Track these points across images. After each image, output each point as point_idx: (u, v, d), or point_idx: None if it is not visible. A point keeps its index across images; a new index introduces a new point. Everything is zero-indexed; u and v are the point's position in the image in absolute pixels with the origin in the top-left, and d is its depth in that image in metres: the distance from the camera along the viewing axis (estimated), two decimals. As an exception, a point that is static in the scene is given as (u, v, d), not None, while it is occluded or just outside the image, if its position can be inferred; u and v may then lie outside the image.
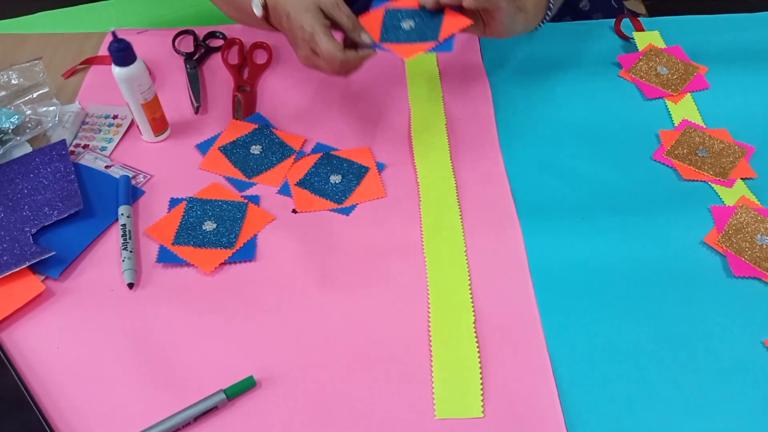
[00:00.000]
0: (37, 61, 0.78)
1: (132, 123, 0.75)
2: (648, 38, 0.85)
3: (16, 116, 0.72)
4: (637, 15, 0.89)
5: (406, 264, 0.61)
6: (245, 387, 0.52)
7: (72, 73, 0.82)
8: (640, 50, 0.83)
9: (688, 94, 0.78)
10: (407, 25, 0.63)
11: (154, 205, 0.67)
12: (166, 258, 0.62)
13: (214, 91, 0.80)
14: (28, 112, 0.74)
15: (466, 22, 0.62)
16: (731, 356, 0.55)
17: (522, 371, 0.54)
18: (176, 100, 0.77)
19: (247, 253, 0.62)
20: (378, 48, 0.61)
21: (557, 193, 0.68)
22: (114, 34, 0.64)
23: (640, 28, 0.86)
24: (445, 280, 0.60)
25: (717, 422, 0.51)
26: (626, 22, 0.87)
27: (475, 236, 0.64)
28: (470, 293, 0.59)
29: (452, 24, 0.62)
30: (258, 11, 0.64)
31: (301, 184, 0.68)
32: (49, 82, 0.77)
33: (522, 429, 0.50)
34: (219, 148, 0.72)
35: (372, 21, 0.65)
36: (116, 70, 0.66)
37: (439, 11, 0.64)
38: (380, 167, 0.70)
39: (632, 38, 0.85)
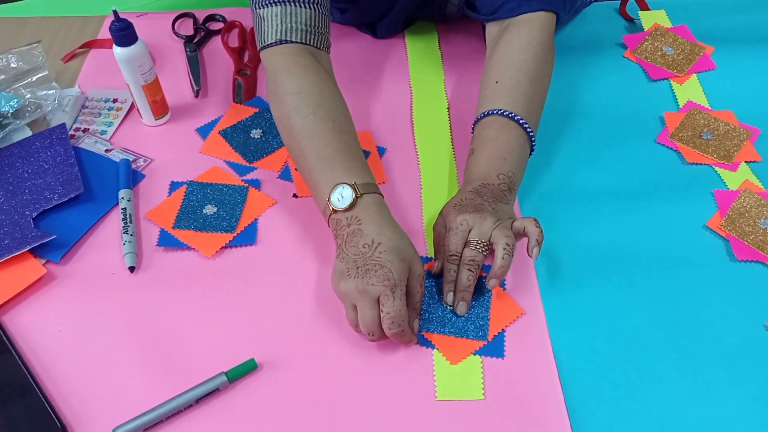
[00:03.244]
0: (36, 45, 0.78)
1: (132, 107, 0.74)
2: (654, 17, 0.83)
3: (16, 100, 0.72)
4: (643, -3, 0.87)
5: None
6: (246, 369, 0.53)
7: (71, 56, 0.81)
8: (645, 30, 0.82)
9: (694, 74, 0.77)
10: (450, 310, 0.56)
11: (155, 188, 0.66)
12: (166, 242, 0.62)
13: (214, 75, 0.79)
14: (28, 95, 0.73)
15: (518, 311, 0.56)
16: (734, 340, 0.55)
17: (523, 354, 0.54)
18: (176, 84, 0.77)
19: (248, 237, 0.62)
20: (423, 343, 0.54)
21: (559, 177, 0.67)
22: (115, 12, 0.64)
23: (645, 8, 0.85)
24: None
25: (719, 406, 0.51)
26: (632, 3, 0.86)
27: (476, 220, 0.63)
28: (471, 277, 0.59)
29: (501, 319, 0.55)
30: (341, 203, 0.55)
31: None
32: (48, 65, 0.76)
33: (523, 411, 0.50)
34: (219, 132, 0.71)
35: None
36: (117, 50, 0.65)
37: (485, 289, 0.57)
38: (381, 151, 0.70)
39: (637, 19, 0.84)
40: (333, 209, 0.55)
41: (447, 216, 0.58)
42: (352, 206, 0.55)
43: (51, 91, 0.74)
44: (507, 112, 0.62)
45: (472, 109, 0.73)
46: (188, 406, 0.51)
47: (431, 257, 0.60)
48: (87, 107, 0.75)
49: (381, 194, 0.57)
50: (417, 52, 0.81)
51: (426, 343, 0.55)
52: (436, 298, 0.57)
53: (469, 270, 0.55)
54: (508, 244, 0.54)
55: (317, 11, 0.63)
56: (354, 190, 0.55)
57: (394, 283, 0.51)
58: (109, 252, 0.61)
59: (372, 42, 0.83)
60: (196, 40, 0.82)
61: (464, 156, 0.69)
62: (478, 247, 0.55)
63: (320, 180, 0.57)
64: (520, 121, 0.61)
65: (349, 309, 0.53)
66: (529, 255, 0.55)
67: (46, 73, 0.76)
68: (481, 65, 0.78)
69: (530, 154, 0.64)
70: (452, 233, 0.56)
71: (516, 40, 0.67)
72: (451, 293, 0.56)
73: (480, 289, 0.57)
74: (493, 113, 0.62)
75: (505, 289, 0.58)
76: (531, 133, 0.62)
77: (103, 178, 0.67)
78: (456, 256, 0.55)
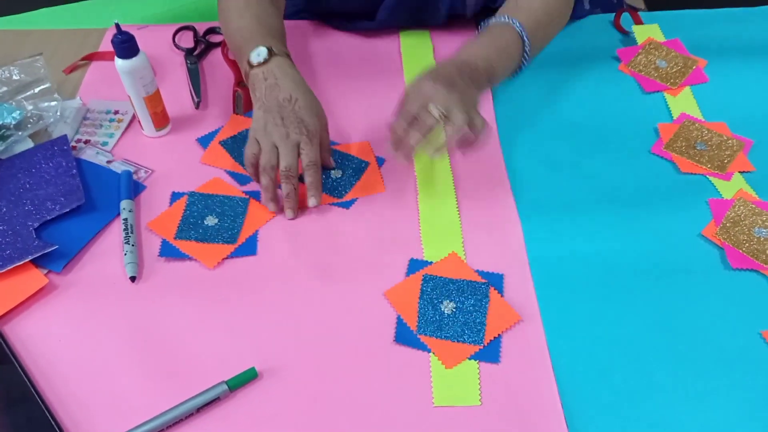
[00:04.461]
0: (37, 57, 0.79)
1: (133, 118, 0.75)
2: (647, 31, 0.85)
3: (18, 112, 0.73)
4: (637, 9, 0.89)
5: (406, 258, 0.62)
6: (247, 378, 0.53)
7: (73, 68, 0.82)
8: (639, 44, 0.83)
9: (687, 87, 0.78)
10: (447, 309, 0.57)
11: (156, 199, 0.67)
12: (168, 252, 0.62)
13: (214, 87, 0.80)
14: (30, 107, 0.74)
15: (515, 317, 0.56)
16: (729, 348, 0.55)
17: (520, 360, 0.54)
18: (177, 96, 0.78)
19: (249, 249, 0.62)
20: (419, 346, 0.55)
21: (556, 187, 0.68)
22: (117, 26, 0.65)
23: (639, 22, 0.86)
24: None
25: (715, 413, 0.52)
26: (626, 16, 0.87)
27: (473, 231, 0.64)
28: (470, 286, 0.59)
29: (498, 325, 0.56)
30: (258, 59, 0.66)
31: (302, 178, 0.68)
32: (50, 77, 0.77)
33: (520, 417, 0.51)
34: (220, 143, 0.72)
35: (409, 288, 0.59)
36: (119, 62, 0.66)
37: (482, 294, 0.58)
38: (380, 162, 0.71)
39: (631, 32, 0.85)
40: (251, 64, 0.67)
41: (420, 79, 0.63)
42: (266, 62, 0.66)
43: (53, 103, 0.74)
44: (515, 22, 0.69)
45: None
46: (189, 415, 0.51)
47: (430, 261, 0.61)
48: (88, 119, 0.75)
49: (293, 63, 0.68)
50: (412, 62, 0.82)
51: (422, 347, 0.55)
52: (434, 302, 0.58)
53: (420, 132, 0.61)
54: (458, 128, 0.60)
55: None
56: (269, 50, 0.67)
57: (312, 134, 0.63)
58: (110, 262, 0.62)
59: (368, 51, 0.84)
60: (196, 52, 0.83)
61: (459, 162, 0.70)
62: (434, 112, 0.60)
63: (244, 50, 0.68)
64: (523, 34, 0.69)
65: (270, 150, 0.63)
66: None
67: (48, 85, 0.76)
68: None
69: (518, 71, 0.72)
70: (415, 93, 0.62)
71: None
72: (394, 146, 0.63)
73: (478, 295, 0.58)
74: (503, 20, 0.70)
75: (502, 295, 0.58)
76: (527, 49, 0.69)
77: (105, 189, 0.67)
78: (408, 112, 0.62)
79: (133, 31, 0.67)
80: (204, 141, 0.73)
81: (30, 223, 0.63)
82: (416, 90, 0.62)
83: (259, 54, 0.67)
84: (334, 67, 0.82)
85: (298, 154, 0.63)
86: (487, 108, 0.76)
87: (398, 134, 0.62)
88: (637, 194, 0.67)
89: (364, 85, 0.79)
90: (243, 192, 0.67)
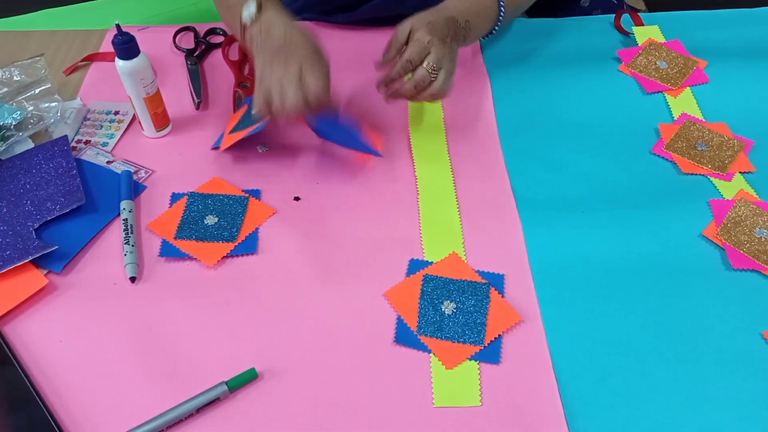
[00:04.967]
0: (38, 58, 0.79)
1: (133, 119, 0.75)
2: (647, 33, 0.85)
3: (18, 112, 0.73)
4: (637, 10, 0.89)
5: (406, 258, 0.62)
6: (247, 379, 0.53)
7: (74, 69, 0.82)
8: (639, 45, 0.83)
9: (688, 88, 0.78)
10: (447, 309, 0.57)
11: (156, 200, 0.67)
12: (168, 252, 0.62)
13: (215, 88, 0.80)
14: (30, 108, 0.74)
15: (516, 318, 0.56)
16: (730, 348, 0.55)
17: (521, 361, 0.54)
18: (177, 97, 0.78)
19: (249, 247, 0.62)
20: (420, 347, 0.55)
21: (557, 187, 0.68)
22: (118, 27, 0.65)
23: (639, 23, 0.86)
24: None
25: (716, 414, 0.51)
26: (626, 17, 0.87)
27: (474, 231, 0.64)
28: (470, 286, 0.59)
29: (498, 325, 0.56)
30: (250, 16, 0.65)
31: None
32: (50, 78, 0.77)
33: (521, 418, 0.51)
34: (230, 132, 0.70)
35: (409, 288, 0.59)
36: (120, 63, 0.66)
37: (483, 295, 0.58)
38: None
39: (632, 33, 0.85)
40: (245, 25, 0.65)
41: (417, 29, 0.66)
42: (258, 15, 0.65)
43: (53, 104, 0.74)
44: None
45: (470, 120, 0.75)
46: (189, 416, 0.51)
47: (430, 261, 0.61)
48: (89, 119, 0.75)
49: (284, 10, 0.67)
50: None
51: (422, 347, 0.55)
52: (434, 303, 0.58)
53: (415, 87, 0.66)
54: (443, 83, 0.66)
55: None
56: (257, 3, 0.65)
57: (314, 60, 0.63)
58: (110, 263, 0.62)
59: (368, 52, 0.83)
60: (197, 53, 0.83)
61: (460, 163, 0.70)
62: (429, 69, 0.65)
63: (236, 12, 0.67)
64: (500, 3, 0.73)
65: (278, 92, 0.61)
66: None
67: (49, 86, 0.76)
68: (478, 76, 0.80)
69: (489, 34, 0.77)
70: (415, 44, 0.65)
71: None
72: (385, 88, 0.68)
73: (478, 295, 0.58)
74: None
75: (503, 296, 0.58)
76: (501, 15, 0.74)
77: (105, 190, 0.67)
78: (409, 62, 0.65)
79: (133, 32, 0.67)
80: (216, 143, 0.71)
81: (30, 224, 0.63)
82: (417, 41, 0.66)
83: (250, 12, 0.65)
84: (334, 67, 0.82)
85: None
86: (487, 108, 0.76)
87: (392, 77, 0.67)
88: (638, 195, 0.67)
89: (362, 85, 0.79)
90: (242, 191, 0.67)
